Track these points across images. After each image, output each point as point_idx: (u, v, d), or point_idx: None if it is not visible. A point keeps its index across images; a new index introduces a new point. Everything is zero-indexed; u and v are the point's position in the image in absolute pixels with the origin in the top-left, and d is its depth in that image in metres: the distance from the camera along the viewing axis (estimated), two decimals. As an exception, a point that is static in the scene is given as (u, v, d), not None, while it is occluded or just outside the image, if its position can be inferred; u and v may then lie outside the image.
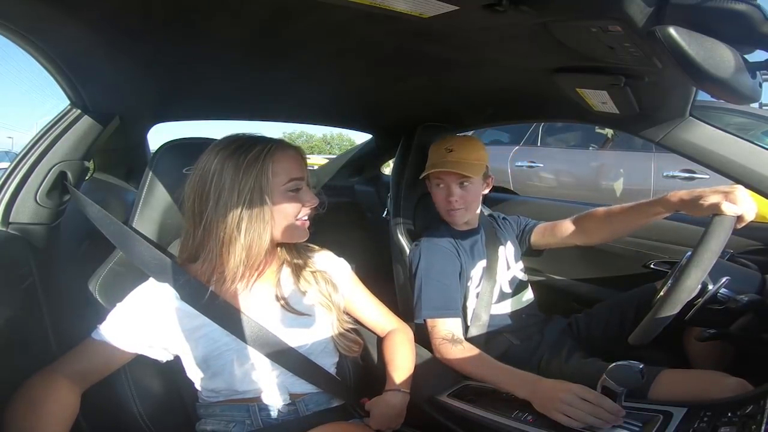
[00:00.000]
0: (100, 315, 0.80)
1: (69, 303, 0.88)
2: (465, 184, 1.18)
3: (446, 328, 1.06)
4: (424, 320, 1.10)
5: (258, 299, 0.84)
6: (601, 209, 1.17)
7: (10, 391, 0.69)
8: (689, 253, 0.82)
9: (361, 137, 2.01)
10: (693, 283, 0.77)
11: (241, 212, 0.75)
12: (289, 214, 0.80)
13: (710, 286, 0.83)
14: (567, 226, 1.22)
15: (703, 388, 0.82)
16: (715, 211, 0.81)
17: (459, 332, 1.08)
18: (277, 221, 0.79)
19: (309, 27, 0.74)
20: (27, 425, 0.66)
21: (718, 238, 0.78)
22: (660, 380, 0.87)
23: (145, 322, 0.78)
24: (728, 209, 0.80)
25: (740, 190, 0.82)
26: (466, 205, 1.20)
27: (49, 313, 0.85)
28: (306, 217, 0.83)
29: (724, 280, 0.84)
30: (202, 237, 0.78)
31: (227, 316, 0.79)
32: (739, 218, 0.81)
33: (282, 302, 0.85)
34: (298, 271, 0.89)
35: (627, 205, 1.10)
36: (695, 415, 0.72)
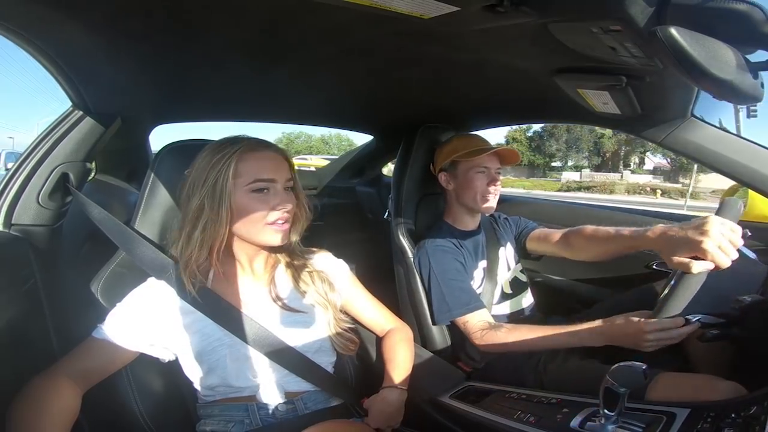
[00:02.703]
0: (101, 316, 0.80)
1: (71, 304, 0.89)
2: (500, 172, 1.25)
3: (480, 319, 1.09)
4: (452, 321, 1.12)
5: (253, 297, 0.85)
6: (589, 228, 1.13)
7: (13, 390, 0.70)
8: None
9: (359, 137, 2.02)
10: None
11: (198, 208, 0.77)
12: (253, 214, 0.79)
13: (692, 319, 0.85)
14: (556, 238, 1.21)
15: (698, 391, 0.82)
16: (686, 270, 0.79)
17: (490, 319, 1.11)
18: (239, 221, 0.79)
19: (310, 28, 0.74)
20: (28, 424, 0.66)
21: (684, 294, 0.82)
22: (657, 383, 0.87)
23: (145, 320, 0.79)
24: (698, 269, 0.78)
25: (712, 239, 0.77)
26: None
27: (51, 313, 0.85)
28: (276, 220, 0.80)
29: (696, 318, 0.85)
30: (178, 231, 0.81)
31: (220, 310, 0.80)
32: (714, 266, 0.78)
33: (277, 300, 0.85)
34: (293, 270, 0.90)
35: (612, 232, 1.06)
36: (698, 416, 0.72)
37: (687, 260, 0.79)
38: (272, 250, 0.88)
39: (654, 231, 0.90)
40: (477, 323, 1.09)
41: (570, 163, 32.99)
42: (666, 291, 0.85)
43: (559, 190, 22.80)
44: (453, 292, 1.13)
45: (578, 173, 29.98)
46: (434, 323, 1.17)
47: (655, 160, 31.60)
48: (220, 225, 0.77)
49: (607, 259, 1.11)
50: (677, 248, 0.81)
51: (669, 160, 29.54)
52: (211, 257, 0.81)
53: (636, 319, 0.88)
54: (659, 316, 0.83)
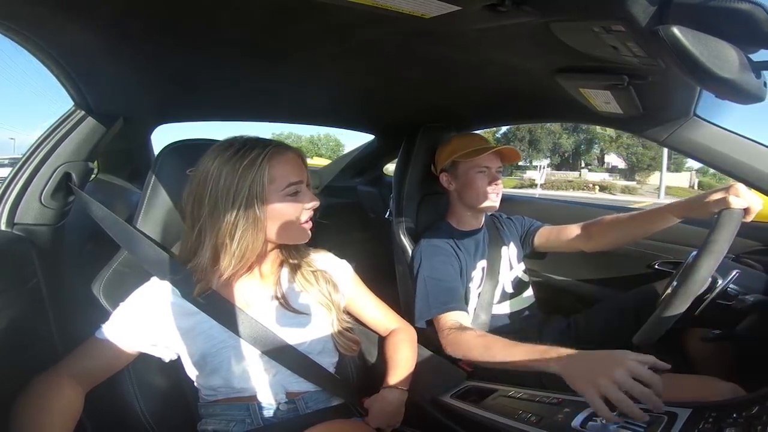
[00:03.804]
0: (104, 316, 0.80)
1: (73, 303, 0.89)
2: (501, 171, 1.25)
3: (452, 319, 1.06)
4: (429, 321, 1.10)
5: (257, 298, 0.85)
6: (609, 216, 1.18)
7: (15, 389, 0.70)
8: (694, 252, 0.82)
9: (347, 138, 2.02)
10: (705, 273, 0.77)
11: (235, 220, 0.75)
12: (288, 217, 0.80)
13: (720, 281, 0.84)
14: (573, 231, 1.23)
15: (698, 392, 0.82)
16: (723, 205, 0.83)
17: (466, 322, 1.07)
18: (275, 225, 0.79)
19: (312, 28, 0.74)
20: (31, 424, 0.66)
21: (728, 228, 0.79)
22: None
23: (147, 321, 0.79)
24: (735, 202, 0.82)
25: (741, 185, 0.84)
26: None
27: (53, 313, 0.85)
28: (307, 219, 0.83)
29: (734, 273, 0.84)
30: (196, 240, 0.78)
31: (225, 312, 0.80)
32: (746, 210, 0.82)
33: (281, 301, 0.85)
34: (297, 270, 0.89)
35: (635, 213, 1.12)
36: (700, 416, 0.72)
37: (722, 196, 0.84)
38: (281, 248, 0.89)
39: (678, 201, 1.00)
40: (448, 322, 1.05)
41: (535, 163, 34.64)
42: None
43: (514, 187, 24.56)
44: (436, 291, 1.11)
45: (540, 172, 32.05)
46: (414, 324, 1.10)
47: (613, 158, 34.06)
48: (258, 232, 0.77)
49: (632, 241, 1.17)
50: (708, 196, 0.88)
51: (624, 159, 32.38)
52: (241, 265, 0.79)
53: (615, 355, 0.70)
54: (706, 252, 0.77)
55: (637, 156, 31.59)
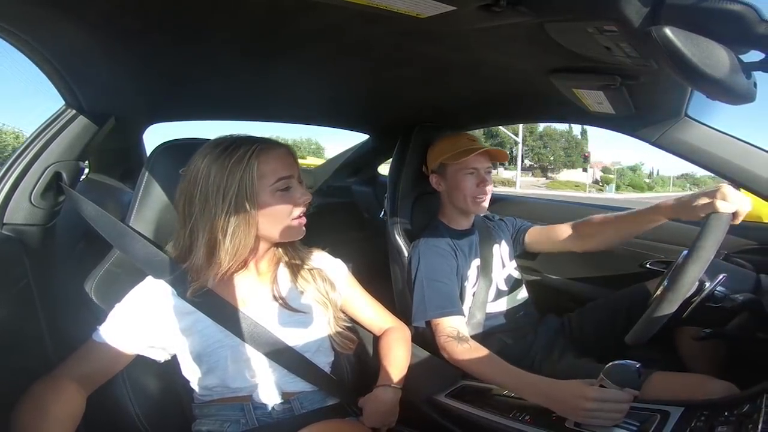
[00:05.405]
0: (96, 316, 0.79)
1: (65, 304, 0.88)
2: (490, 172, 1.23)
3: (451, 326, 1.06)
4: (427, 322, 1.10)
5: (254, 296, 0.84)
6: (598, 216, 1.18)
7: (7, 391, 0.69)
8: (685, 252, 0.83)
9: (328, 141, 2.01)
10: (692, 278, 0.77)
11: (226, 217, 0.75)
12: (280, 213, 0.80)
13: (707, 284, 0.84)
14: (563, 231, 1.23)
15: (691, 390, 0.83)
16: (711, 210, 0.81)
17: (464, 330, 1.08)
18: (268, 222, 0.79)
19: (306, 27, 0.74)
20: (29, 429, 0.65)
21: (715, 234, 0.78)
22: (651, 382, 0.87)
23: (144, 322, 0.78)
24: (723, 207, 0.80)
25: (729, 188, 0.83)
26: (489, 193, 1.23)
27: (44, 314, 0.84)
28: (300, 215, 0.82)
29: (720, 277, 0.84)
30: (189, 239, 0.78)
31: (221, 311, 0.79)
32: (735, 214, 0.81)
33: (278, 300, 0.85)
34: (295, 269, 0.89)
35: (624, 213, 1.11)
36: (692, 414, 0.72)
37: (710, 199, 0.82)
38: (277, 246, 0.88)
39: (666, 201, 0.98)
40: (446, 329, 1.06)
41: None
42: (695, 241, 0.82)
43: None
44: (433, 294, 1.11)
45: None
46: (410, 324, 1.12)
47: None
48: (250, 228, 0.77)
49: (620, 241, 1.16)
50: (696, 199, 0.86)
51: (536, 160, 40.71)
52: (234, 263, 0.79)
53: (584, 384, 0.80)
54: (693, 258, 0.78)
55: (539, 156, 39.51)
